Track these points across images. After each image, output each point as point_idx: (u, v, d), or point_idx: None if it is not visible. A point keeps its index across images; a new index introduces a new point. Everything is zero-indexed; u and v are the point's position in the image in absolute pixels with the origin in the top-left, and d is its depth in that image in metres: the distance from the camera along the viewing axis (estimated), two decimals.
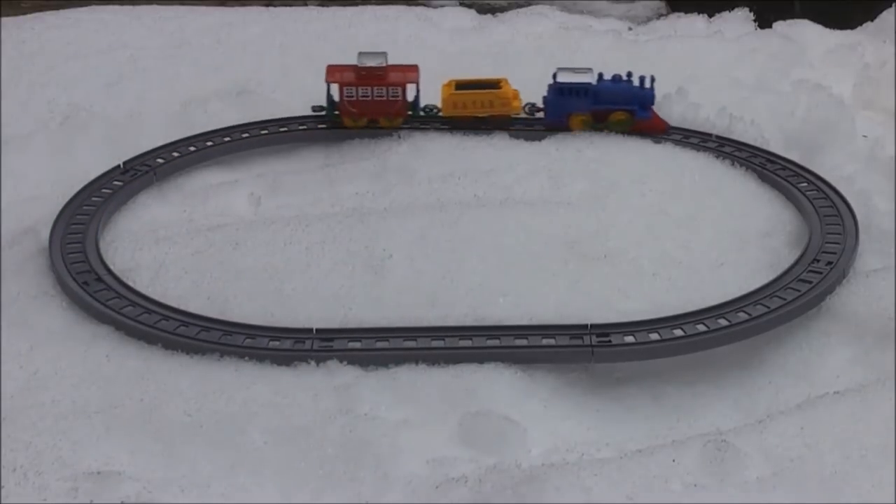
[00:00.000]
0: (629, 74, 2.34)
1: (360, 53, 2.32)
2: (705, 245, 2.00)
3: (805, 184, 2.17)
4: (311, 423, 1.59)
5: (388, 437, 1.56)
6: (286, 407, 1.62)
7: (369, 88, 2.30)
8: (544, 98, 2.35)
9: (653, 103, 2.33)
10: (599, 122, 2.32)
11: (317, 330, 1.77)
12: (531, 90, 2.56)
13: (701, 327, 1.75)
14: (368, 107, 2.32)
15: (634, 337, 1.74)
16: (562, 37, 2.86)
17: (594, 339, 1.74)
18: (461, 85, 2.35)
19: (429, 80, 2.63)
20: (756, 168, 2.24)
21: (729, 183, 2.21)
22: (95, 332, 1.79)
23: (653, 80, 2.32)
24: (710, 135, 2.35)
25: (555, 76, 2.34)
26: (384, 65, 2.31)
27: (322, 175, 2.26)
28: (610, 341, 1.74)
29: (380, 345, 1.74)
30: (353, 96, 2.31)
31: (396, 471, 1.52)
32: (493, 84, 2.36)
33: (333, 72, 2.33)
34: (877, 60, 2.69)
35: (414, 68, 2.35)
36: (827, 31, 2.88)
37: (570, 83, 2.31)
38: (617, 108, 2.31)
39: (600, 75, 2.34)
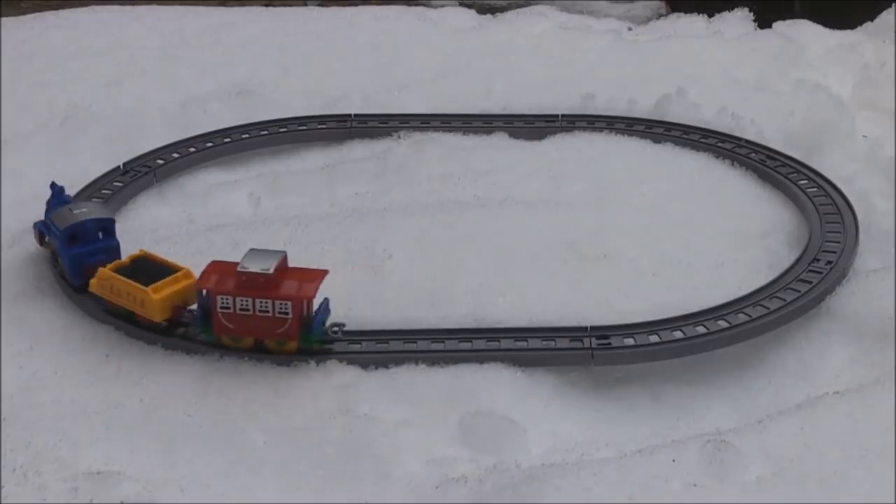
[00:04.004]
0: None
1: None
2: (705, 245, 2.00)
3: (805, 181, 2.18)
4: (311, 423, 1.59)
5: (387, 437, 1.56)
6: (286, 407, 1.62)
7: None
8: None
9: None
10: None
11: None
12: (531, 90, 2.57)
13: (701, 329, 1.75)
14: None
15: (634, 339, 1.74)
16: (562, 37, 2.86)
17: (594, 342, 1.73)
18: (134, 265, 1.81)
19: (429, 79, 2.63)
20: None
21: (729, 183, 2.21)
22: (95, 332, 1.79)
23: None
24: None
25: None
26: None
27: (322, 175, 2.26)
28: (610, 344, 1.73)
29: (380, 347, 1.73)
30: None
31: (396, 471, 1.52)
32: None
33: None
34: (877, 60, 2.70)
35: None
36: (827, 31, 2.88)
37: None
38: None
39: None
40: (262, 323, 1.68)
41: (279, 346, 1.71)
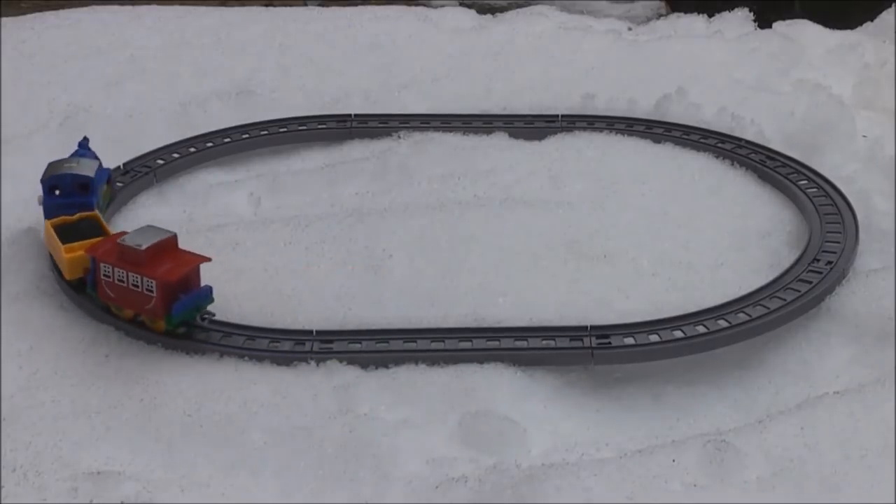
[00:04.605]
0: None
1: None
2: (705, 245, 2.00)
3: (805, 181, 2.18)
4: (311, 423, 1.59)
5: (388, 437, 1.56)
6: (286, 407, 1.62)
7: None
8: None
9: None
10: None
11: (317, 332, 1.77)
12: (531, 90, 2.57)
13: (701, 329, 1.75)
14: None
15: (634, 339, 1.74)
16: (562, 37, 2.86)
17: (594, 341, 1.73)
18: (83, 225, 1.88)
19: (429, 79, 2.63)
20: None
21: (729, 183, 2.21)
22: (95, 332, 1.79)
23: None
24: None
25: None
26: None
27: (322, 175, 2.26)
28: (610, 343, 1.73)
29: (380, 346, 1.73)
30: None
31: (396, 471, 1.52)
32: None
33: None
34: (877, 60, 2.70)
35: None
36: (827, 31, 2.88)
37: None
38: None
39: None
40: (134, 297, 1.74)
41: (151, 323, 1.76)
